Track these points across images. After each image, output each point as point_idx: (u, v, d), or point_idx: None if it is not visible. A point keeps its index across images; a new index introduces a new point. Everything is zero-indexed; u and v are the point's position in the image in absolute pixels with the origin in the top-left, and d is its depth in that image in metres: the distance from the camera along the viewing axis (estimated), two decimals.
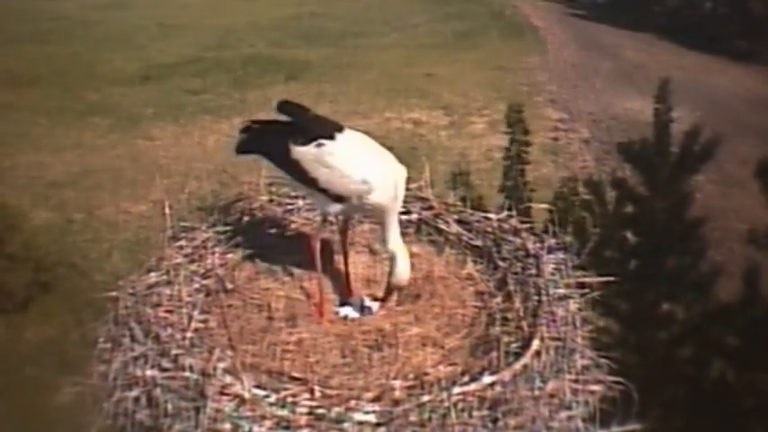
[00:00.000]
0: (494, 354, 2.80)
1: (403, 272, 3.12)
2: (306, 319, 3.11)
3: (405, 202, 3.53)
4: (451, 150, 11.75)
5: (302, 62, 15.90)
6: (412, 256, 3.48)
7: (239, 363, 2.70)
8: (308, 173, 3.20)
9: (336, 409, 2.53)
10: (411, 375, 2.70)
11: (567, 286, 3.15)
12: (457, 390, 2.58)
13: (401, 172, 3.23)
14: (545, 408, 2.62)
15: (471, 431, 2.51)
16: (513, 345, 2.87)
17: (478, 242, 3.54)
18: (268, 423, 2.51)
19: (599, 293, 3.17)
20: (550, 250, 3.33)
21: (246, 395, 2.55)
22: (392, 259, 3.13)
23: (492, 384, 2.62)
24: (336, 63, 15.92)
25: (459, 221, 3.66)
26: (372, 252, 3.54)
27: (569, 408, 2.67)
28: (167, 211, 3.46)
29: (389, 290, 3.16)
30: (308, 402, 2.56)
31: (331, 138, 3.16)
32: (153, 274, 3.19)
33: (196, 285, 3.22)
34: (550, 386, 2.67)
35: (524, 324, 2.96)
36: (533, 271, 3.24)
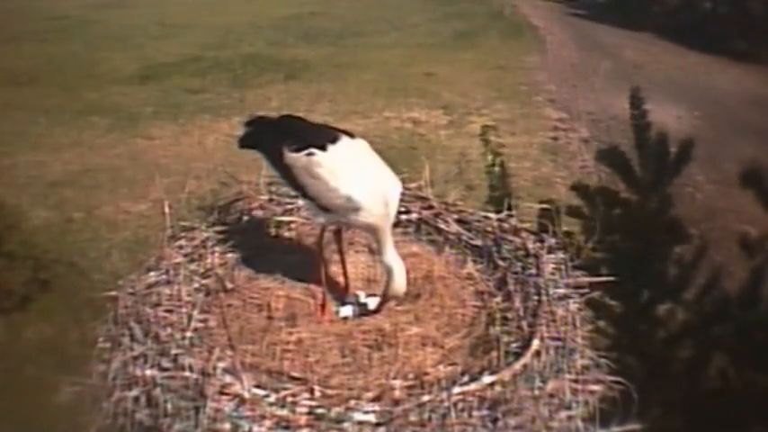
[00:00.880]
0: (494, 353, 2.81)
1: (399, 285, 3.11)
2: (305, 319, 3.11)
3: (404, 201, 3.53)
4: (451, 150, 11.73)
5: (302, 61, 15.88)
6: (412, 255, 3.49)
7: (239, 362, 2.71)
8: (296, 179, 3.19)
9: (336, 409, 2.53)
10: (411, 375, 2.71)
11: (567, 286, 3.15)
12: (457, 390, 2.58)
13: (394, 188, 3.19)
14: (545, 408, 2.63)
15: (471, 431, 2.52)
16: (513, 344, 2.87)
17: (478, 242, 3.54)
18: (268, 423, 2.51)
19: (597, 294, 3.18)
20: (550, 250, 3.33)
21: (246, 395, 2.56)
22: (388, 272, 3.11)
23: (492, 384, 2.63)
24: (336, 62, 15.90)
25: (459, 221, 3.66)
26: (372, 252, 3.53)
27: (569, 408, 2.67)
28: (167, 210, 3.46)
29: (384, 300, 3.15)
30: (308, 402, 2.56)
31: (323, 148, 3.14)
32: (152, 273, 3.20)
33: (196, 285, 3.22)
34: (550, 386, 2.67)
35: (524, 324, 2.97)
36: (533, 271, 3.24)
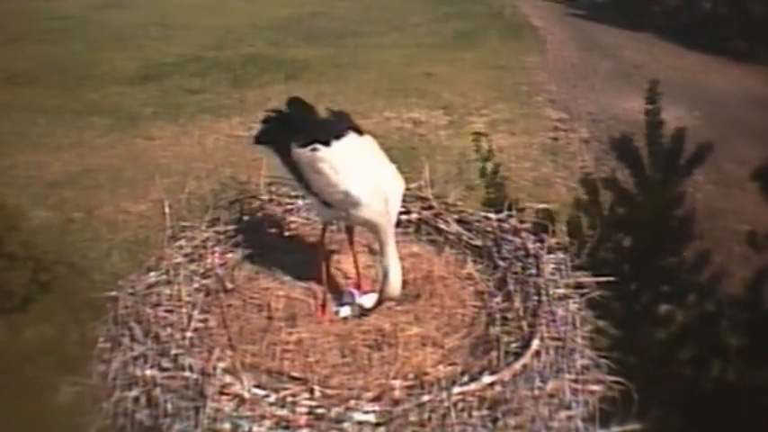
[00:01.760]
0: (493, 353, 2.80)
1: (394, 286, 3.09)
2: (305, 319, 3.11)
3: (405, 201, 3.53)
4: (451, 150, 11.73)
5: (302, 62, 15.89)
6: (412, 255, 3.49)
7: (239, 362, 2.70)
8: (302, 175, 3.21)
9: (336, 409, 2.53)
10: (411, 375, 2.70)
11: (567, 286, 3.15)
12: (457, 389, 2.58)
13: (397, 186, 3.19)
14: (545, 408, 2.63)
15: (471, 431, 2.51)
16: (513, 344, 2.87)
17: (478, 242, 3.54)
18: (268, 423, 2.51)
19: (598, 294, 3.18)
20: (550, 250, 3.33)
21: (246, 395, 2.56)
22: (384, 273, 3.10)
23: (492, 384, 2.62)
24: (336, 63, 15.91)
25: (459, 221, 3.66)
26: (372, 252, 3.53)
27: (569, 408, 2.67)
28: (167, 210, 3.46)
29: (380, 301, 3.15)
30: (308, 402, 2.56)
31: (327, 144, 3.14)
32: (152, 273, 3.19)
33: (196, 285, 3.22)
34: (550, 386, 2.67)
35: (524, 324, 2.96)
36: (533, 271, 3.24)
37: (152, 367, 2.70)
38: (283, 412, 2.53)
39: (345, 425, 2.50)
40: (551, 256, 3.30)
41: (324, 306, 3.21)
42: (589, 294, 3.13)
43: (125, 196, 10.61)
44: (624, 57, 16.49)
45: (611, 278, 3.38)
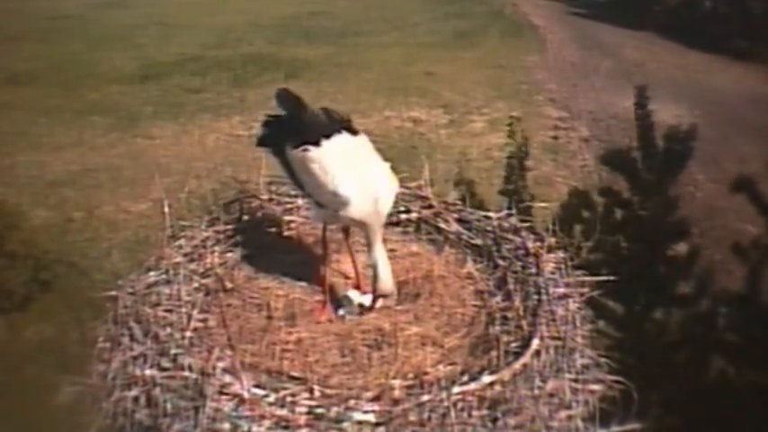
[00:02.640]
0: (493, 353, 2.80)
1: (386, 280, 3.11)
2: (305, 319, 3.11)
3: (404, 201, 3.53)
4: (451, 149, 11.74)
5: (302, 61, 15.89)
6: (412, 255, 3.49)
7: (238, 362, 2.70)
8: (297, 176, 3.23)
9: (336, 409, 2.53)
10: (410, 375, 2.70)
11: (567, 286, 3.14)
12: (456, 389, 2.58)
13: (388, 186, 3.20)
14: (545, 407, 2.62)
15: (471, 431, 2.51)
16: (513, 344, 2.86)
17: (478, 241, 3.53)
18: (267, 422, 2.51)
19: (597, 294, 3.17)
20: (550, 249, 3.33)
21: (246, 395, 2.55)
22: (374, 269, 3.12)
23: (491, 384, 2.62)
24: (336, 62, 15.91)
25: (459, 220, 3.66)
26: None
27: (569, 407, 2.67)
28: (167, 210, 3.46)
29: (375, 298, 3.16)
30: (308, 402, 2.55)
31: (317, 144, 3.15)
32: (152, 273, 3.19)
33: (195, 284, 3.22)
34: (550, 385, 2.67)
35: (524, 323, 2.96)
36: (533, 270, 3.24)
37: (152, 367, 2.70)
38: (283, 412, 2.53)
39: (345, 424, 2.50)
40: (551, 255, 3.30)
41: (323, 306, 3.21)
42: (589, 294, 3.13)
43: (125, 195, 10.61)
44: (624, 55, 16.48)
45: (611, 278, 3.38)
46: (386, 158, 3.30)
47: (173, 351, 2.74)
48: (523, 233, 3.48)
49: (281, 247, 3.61)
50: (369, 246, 3.15)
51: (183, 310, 3.00)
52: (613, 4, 19.73)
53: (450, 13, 19.72)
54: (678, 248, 4.98)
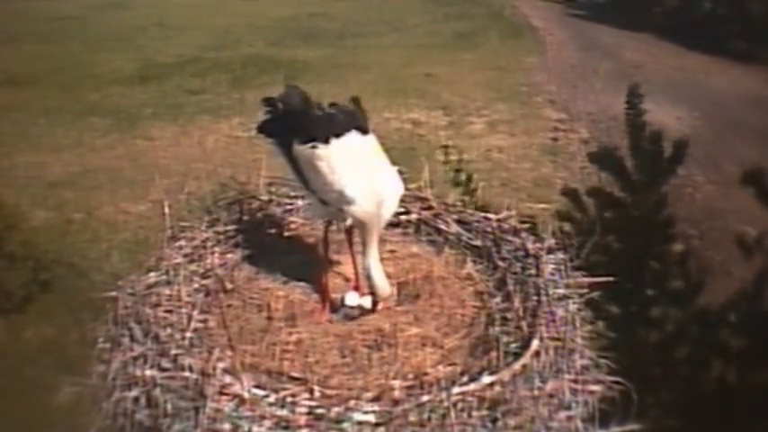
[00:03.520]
0: (493, 354, 2.80)
1: (383, 287, 3.12)
2: (305, 320, 3.11)
3: (404, 202, 3.53)
4: (450, 150, 11.72)
5: (301, 62, 15.89)
6: (412, 255, 3.49)
7: (239, 363, 2.70)
8: (302, 172, 3.22)
9: (336, 409, 2.53)
10: (410, 375, 2.70)
11: (567, 286, 3.15)
12: (456, 390, 2.58)
13: (394, 189, 3.20)
14: (544, 408, 2.63)
15: (471, 431, 2.52)
16: (513, 345, 2.87)
17: (478, 242, 3.54)
18: (267, 423, 2.51)
19: (596, 294, 3.18)
20: (550, 250, 3.33)
21: (246, 395, 2.56)
22: (368, 276, 3.12)
23: (491, 384, 2.62)
24: (335, 63, 15.91)
25: (459, 221, 3.66)
26: None
27: (568, 408, 2.67)
28: (167, 211, 3.46)
29: (375, 303, 3.16)
30: (308, 402, 2.56)
31: (326, 141, 3.15)
32: (152, 273, 3.19)
33: (195, 285, 3.22)
34: (550, 386, 2.67)
35: (524, 324, 2.96)
36: (533, 271, 3.24)
37: (152, 367, 2.70)
38: (283, 412, 2.53)
39: (345, 425, 2.50)
40: (551, 256, 3.30)
41: (324, 306, 3.21)
42: (588, 295, 3.13)
43: (125, 197, 10.61)
44: (624, 57, 16.49)
45: (610, 278, 3.39)
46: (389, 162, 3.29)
47: (173, 351, 2.74)
48: (523, 234, 3.49)
49: (281, 247, 3.62)
50: (363, 247, 3.15)
51: (184, 310, 3.00)
52: (613, 5, 19.76)
53: (449, 15, 19.73)
54: (672, 248, 4.98)
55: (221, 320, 3.04)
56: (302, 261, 3.47)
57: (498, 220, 3.58)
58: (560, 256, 3.30)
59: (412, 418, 2.50)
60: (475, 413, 2.54)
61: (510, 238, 3.49)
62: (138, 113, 13.62)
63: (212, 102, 14.09)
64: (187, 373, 2.64)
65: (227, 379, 2.61)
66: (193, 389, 2.59)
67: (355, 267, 3.40)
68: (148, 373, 2.68)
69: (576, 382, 2.74)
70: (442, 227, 3.65)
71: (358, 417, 2.51)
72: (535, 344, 2.80)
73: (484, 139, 12.58)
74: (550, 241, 3.37)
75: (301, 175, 3.25)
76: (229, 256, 3.47)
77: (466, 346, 2.94)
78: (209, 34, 18.03)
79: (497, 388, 2.61)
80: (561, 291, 3.12)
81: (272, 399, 2.56)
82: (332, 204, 3.17)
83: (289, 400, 2.56)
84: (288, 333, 2.99)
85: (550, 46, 17.37)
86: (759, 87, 14.68)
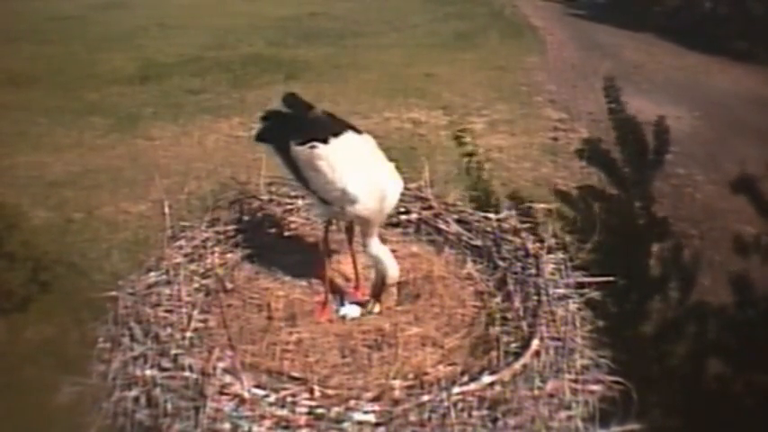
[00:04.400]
0: (493, 353, 2.81)
1: (392, 269, 3.13)
2: (305, 319, 3.11)
3: (404, 201, 3.54)
4: (451, 150, 11.72)
5: (302, 62, 15.88)
6: (412, 255, 3.50)
7: (239, 362, 2.71)
8: (301, 172, 3.23)
9: (336, 409, 2.53)
10: (410, 375, 2.71)
11: (567, 286, 3.15)
12: (456, 389, 2.58)
13: (394, 186, 3.22)
14: (545, 407, 2.63)
15: (471, 431, 2.52)
16: (513, 344, 2.87)
17: (478, 242, 3.54)
18: (267, 423, 2.51)
19: (596, 294, 3.18)
20: (550, 250, 3.33)
21: (246, 395, 2.56)
22: (378, 262, 3.14)
23: (491, 384, 2.62)
24: (336, 63, 15.90)
25: (459, 221, 3.66)
26: None
27: (569, 407, 2.67)
28: (167, 210, 3.46)
29: (381, 290, 3.16)
30: (308, 402, 2.56)
31: (325, 141, 3.16)
32: (152, 273, 3.20)
33: (196, 285, 3.22)
34: (550, 386, 2.68)
35: (524, 324, 2.97)
36: (533, 271, 3.24)
37: (152, 367, 2.70)
38: (283, 412, 2.53)
39: (345, 425, 2.50)
40: (551, 256, 3.30)
41: (324, 306, 3.21)
42: (589, 294, 3.13)
43: (125, 196, 10.60)
44: (624, 57, 16.48)
45: (610, 278, 3.39)
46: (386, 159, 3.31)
47: (173, 351, 2.74)
48: (523, 234, 3.49)
49: (281, 247, 3.62)
50: (364, 239, 3.17)
51: (184, 310, 3.00)
52: (613, 5, 19.74)
53: (449, 15, 19.72)
54: (664, 245, 4.98)
55: (221, 320, 3.04)
56: (302, 261, 3.47)
57: (498, 220, 3.59)
58: (560, 255, 3.31)
59: (412, 417, 2.51)
60: (475, 413, 2.55)
61: (510, 237, 3.49)
62: (138, 113, 13.61)
63: (212, 101, 14.08)
64: (187, 373, 2.64)
65: (228, 379, 2.61)
66: (193, 389, 2.59)
67: (355, 267, 3.40)
68: (148, 372, 2.68)
69: (576, 381, 2.74)
70: (443, 226, 3.66)
71: (358, 417, 2.52)
72: (535, 343, 2.81)
73: (484, 138, 12.57)
74: (550, 241, 3.37)
75: (300, 176, 3.26)
76: (229, 255, 3.47)
77: (466, 345, 2.94)
78: (210, 34, 18.02)
79: (497, 388, 2.62)
80: (561, 290, 3.12)
81: (272, 398, 2.56)
82: (334, 203, 3.17)
83: (289, 399, 2.56)
84: (288, 333, 2.99)
85: (551, 46, 17.36)
86: (759, 87, 14.67)
